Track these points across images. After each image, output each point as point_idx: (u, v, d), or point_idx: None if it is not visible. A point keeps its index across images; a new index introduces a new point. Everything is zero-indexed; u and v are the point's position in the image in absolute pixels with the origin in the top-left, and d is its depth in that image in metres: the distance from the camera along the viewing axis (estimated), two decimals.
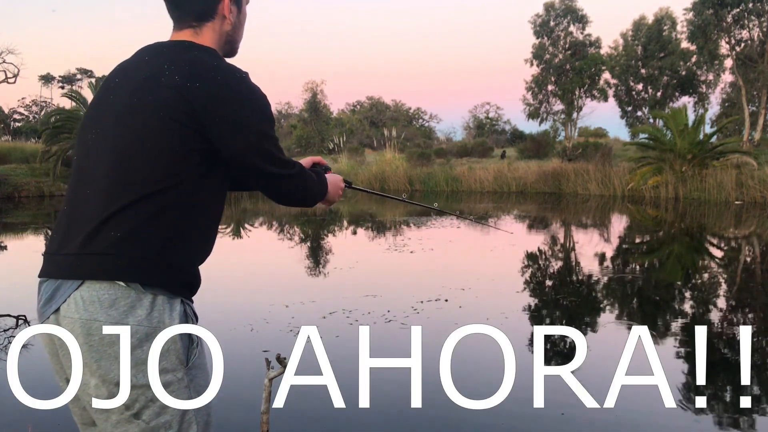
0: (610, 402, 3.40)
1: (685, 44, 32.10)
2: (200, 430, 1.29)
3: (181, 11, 1.37)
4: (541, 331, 4.79)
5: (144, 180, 1.23)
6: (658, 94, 35.55)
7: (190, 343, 1.29)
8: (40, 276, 1.31)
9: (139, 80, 1.28)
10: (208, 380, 1.34)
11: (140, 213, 1.23)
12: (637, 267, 7.88)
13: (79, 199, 1.29)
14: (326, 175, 1.67)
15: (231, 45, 1.46)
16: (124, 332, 1.20)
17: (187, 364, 1.27)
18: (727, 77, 33.67)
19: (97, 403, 1.24)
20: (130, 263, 1.22)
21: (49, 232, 11.30)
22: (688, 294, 6.24)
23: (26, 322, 4.79)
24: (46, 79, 63.87)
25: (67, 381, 1.29)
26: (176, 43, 1.36)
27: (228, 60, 1.43)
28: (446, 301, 5.48)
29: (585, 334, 4.74)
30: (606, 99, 35.58)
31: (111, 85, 1.34)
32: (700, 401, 3.44)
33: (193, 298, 1.39)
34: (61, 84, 63.02)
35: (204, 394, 1.31)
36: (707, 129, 23.53)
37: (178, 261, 1.29)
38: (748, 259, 8.34)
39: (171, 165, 1.24)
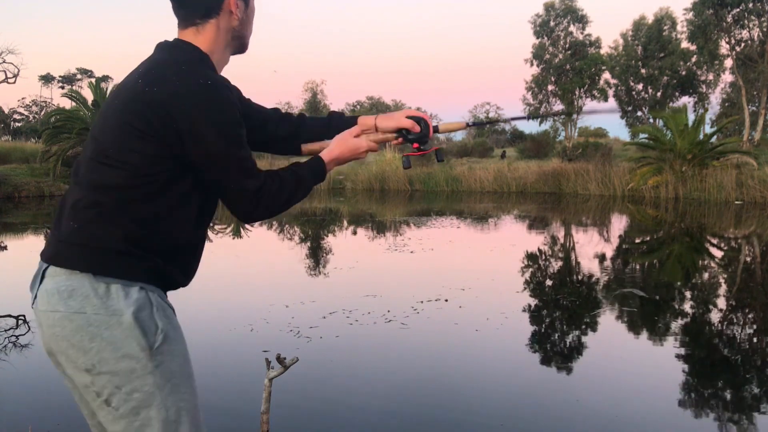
0: (610, 402, 3.40)
1: (685, 44, 32.09)
2: (170, 415, 1.28)
3: (186, 9, 1.38)
4: (541, 331, 4.80)
5: (109, 179, 1.28)
6: (658, 94, 35.54)
7: (155, 329, 1.28)
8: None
9: (124, 84, 1.34)
10: (186, 368, 1.33)
11: (101, 206, 1.28)
12: (637, 267, 7.88)
13: (69, 190, 1.37)
14: (336, 139, 1.57)
15: (240, 41, 1.46)
16: (84, 321, 1.24)
17: (151, 349, 1.27)
18: (727, 77, 33.68)
19: (77, 390, 1.32)
20: (81, 253, 1.28)
21: (49, 233, 11.29)
22: (688, 294, 6.24)
23: (26, 322, 4.80)
24: (46, 79, 63.89)
25: (58, 363, 1.35)
26: (169, 43, 1.39)
27: (239, 55, 1.48)
28: (446, 301, 5.48)
29: (585, 334, 4.74)
30: (606, 99, 35.51)
31: (116, 88, 1.42)
32: (700, 401, 3.45)
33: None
34: (61, 84, 63.03)
35: (174, 380, 1.30)
36: (707, 129, 23.51)
37: (136, 251, 1.30)
38: (748, 259, 8.34)
39: (135, 169, 1.27)
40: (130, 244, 1.29)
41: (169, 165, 1.29)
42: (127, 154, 1.26)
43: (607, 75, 35.50)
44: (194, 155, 1.28)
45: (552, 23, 33.98)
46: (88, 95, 22.31)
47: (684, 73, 34.62)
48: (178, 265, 1.38)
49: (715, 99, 38.53)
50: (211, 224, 1.53)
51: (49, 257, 1.31)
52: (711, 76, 34.54)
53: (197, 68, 1.31)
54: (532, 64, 34.97)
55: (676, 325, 4.90)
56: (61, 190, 18.28)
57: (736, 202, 15.51)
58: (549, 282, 6.81)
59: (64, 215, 1.33)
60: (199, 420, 1.34)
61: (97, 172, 1.29)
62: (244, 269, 7.49)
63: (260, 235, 10.96)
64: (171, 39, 1.41)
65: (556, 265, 7.91)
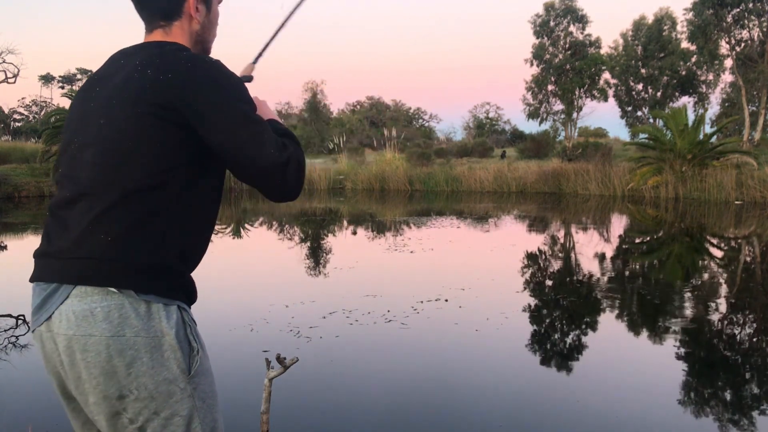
0: (610, 402, 3.40)
1: (685, 44, 32.09)
2: None
3: (147, 11, 1.37)
4: (541, 331, 4.80)
5: (131, 179, 1.20)
6: (658, 94, 35.55)
7: (190, 350, 1.24)
8: (31, 280, 1.28)
9: (115, 83, 1.27)
10: (213, 386, 1.31)
11: (130, 214, 1.20)
12: (637, 267, 7.88)
13: (67, 202, 1.26)
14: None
15: (202, 45, 1.44)
16: (122, 345, 1.16)
17: (189, 372, 1.23)
18: (727, 77, 33.68)
19: (100, 420, 1.22)
20: (122, 268, 1.19)
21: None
22: (688, 294, 6.24)
23: (26, 323, 4.80)
24: (46, 79, 63.87)
25: (61, 385, 1.28)
26: (147, 43, 1.36)
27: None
28: (446, 301, 5.48)
29: (585, 334, 4.74)
30: (606, 99, 35.55)
31: (91, 93, 1.31)
32: (700, 401, 3.45)
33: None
34: (61, 84, 62.99)
35: (208, 400, 1.28)
36: (707, 129, 23.55)
37: (174, 264, 1.25)
38: (748, 259, 8.34)
39: (157, 163, 1.21)
40: (170, 255, 1.24)
41: (189, 155, 1.24)
42: (145, 146, 1.20)
43: (607, 75, 35.55)
44: (219, 129, 1.22)
45: (552, 23, 33.99)
46: None
47: (684, 73, 34.63)
48: (191, 276, 1.34)
49: (715, 99, 38.61)
50: None
51: (75, 277, 1.19)
52: (711, 76, 34.56)
53: (196, 54, 1.30)
54: (532, 64, 34.99)
55: (676, 325, 4.90)
56: None
57: (736, 202, 15.51)
58: (549, 282, 6.81)
59: (81, 229, 1.20)
60: None
61: (113, 174, 1.20)
62: (243, 269, 7.49)
63: (260, 235, 10.97)
64: (139, 43, 1.37)
65: (556, 265, 7.91)
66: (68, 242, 1.21)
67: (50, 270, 1.24)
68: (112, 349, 1.16)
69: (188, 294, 1.31)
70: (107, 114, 1.24)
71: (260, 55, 1.58)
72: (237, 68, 1.43)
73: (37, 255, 1.29)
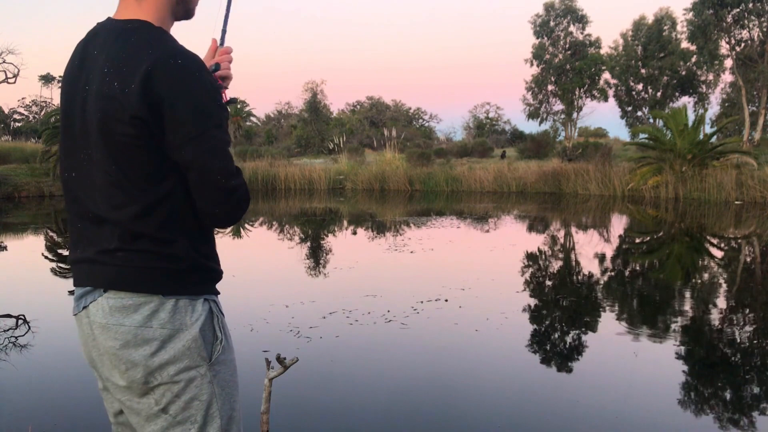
0: (610, 402, 3.40)
1: (685, 44, 32.13)
2: (223, 423, 1.33)
3: None
4: (541, 331, 4.80)
5: (143, 193, 1.23)
6: (658, 94, 35.57)
7: (214, 339, 1.32)
8: (74, 285, 1.37)
9: (94, 90, 1.23)
10: (235, 377, 1.38)
11: (150, 224, 1.24)
12: (637, 267, 7.88)
13: (87, 218, 1.29)
14: None
15: (184, 5, 1.36)
16: (149, 335, 1.26)
17: (210, 360, 1.30)
18: (727, 77, 33.69)
19: (127, 402, 1.32)
20: (147, 276, 1.26)
21: (49, 233, 11.31)
22: (688, 294, 6.24)
23: (26, 322, 4.79)
24: (46, 79, 63.87)
25: (95, 367, 1.36)
26: (112, 26, 1.28)
27: (183, 22, 1.38)
28: (446, 301, 5.48)
29: (585, 334, 4.74)
30: (606, 99, 35.58)
31: (81, 93, 1.27)
32: (700, 401, 3.45)
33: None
34: (60, 84, 62.97)
35: (227, 389, 1.34)
36: (707, 129, 23.59)
37: (198, 260, 1.31)
38: (748, 259, 8.33)
39: (160, 170, 1.23)
40: (193, 257, 1.29)
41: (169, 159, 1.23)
42: (144, 157, 1.21)
43: (607, 75, 35.57)
44: (187, 133, 1.19)
45: (552, 23, 34.03)
46: None
47: (684, 73, 34.64)
48: (214, 257, 1.38)
49: (715, 99, 38.64)
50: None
51: (107, 283, 1.27)
52: (711, 76, 34.56)
53: (163, 47, 1.22)
54: (532, 64, 35.03)
55: (676, 325, 4.90)
56: (61, 190, 18.24)
57: (736, 202, 15.51)
58: (549, 282, 6.81)
59: (103, 244, 1.27)
60: (242, 429, 1.40)
61: (125, 194, 1.23)
62: (243, 269, 7.49)
63: (260, 235, 10.96)
64: (110, 19, 1.31)
65: (556, 265, 7.91)
66: (93, 254, 1.29)
67: (83, 276, 1.32)
68: (139, 339, 1.25)
69: (214, 281, 1.37)
70: (99, 129, 1.22)
71: (224, 31, 1.50)
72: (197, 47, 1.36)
73: (71, 262, 1.38)
